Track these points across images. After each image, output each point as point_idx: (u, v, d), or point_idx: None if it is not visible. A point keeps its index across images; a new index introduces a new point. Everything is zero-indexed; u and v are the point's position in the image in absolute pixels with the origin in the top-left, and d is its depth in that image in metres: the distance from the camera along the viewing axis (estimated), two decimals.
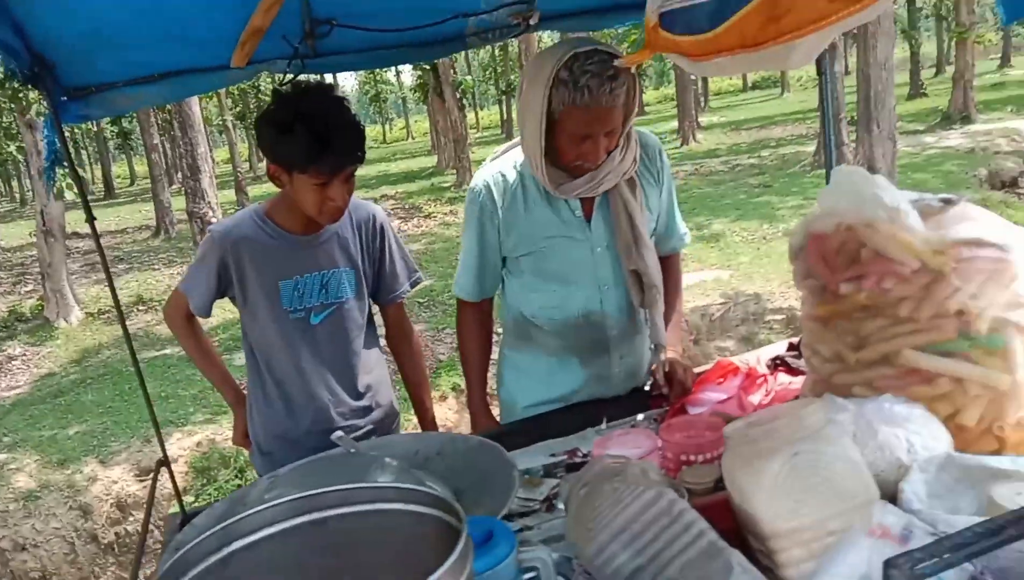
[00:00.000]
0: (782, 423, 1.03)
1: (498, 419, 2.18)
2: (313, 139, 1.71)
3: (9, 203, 39.05)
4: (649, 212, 1.96)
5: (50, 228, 10.32)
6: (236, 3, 1.53)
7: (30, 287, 13.09)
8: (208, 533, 0.86)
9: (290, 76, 1.82)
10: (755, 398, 1.82)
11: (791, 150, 16.89)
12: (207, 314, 2.02)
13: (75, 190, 11.41)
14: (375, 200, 18.71)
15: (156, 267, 13.94)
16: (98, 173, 40.28)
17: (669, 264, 2.11)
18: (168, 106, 19.12)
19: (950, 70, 20.05)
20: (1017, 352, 1.25)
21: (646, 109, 38.94)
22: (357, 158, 1.81)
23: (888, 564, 0.77)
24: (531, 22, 1.89)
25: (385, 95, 50.21)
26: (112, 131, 37.54)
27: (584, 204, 1.91)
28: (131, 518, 5.67)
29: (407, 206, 17.13)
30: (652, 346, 2.00)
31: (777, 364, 1.94)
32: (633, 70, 1.67)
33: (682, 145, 20.82)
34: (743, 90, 51.13)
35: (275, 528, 0.90)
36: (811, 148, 15.25)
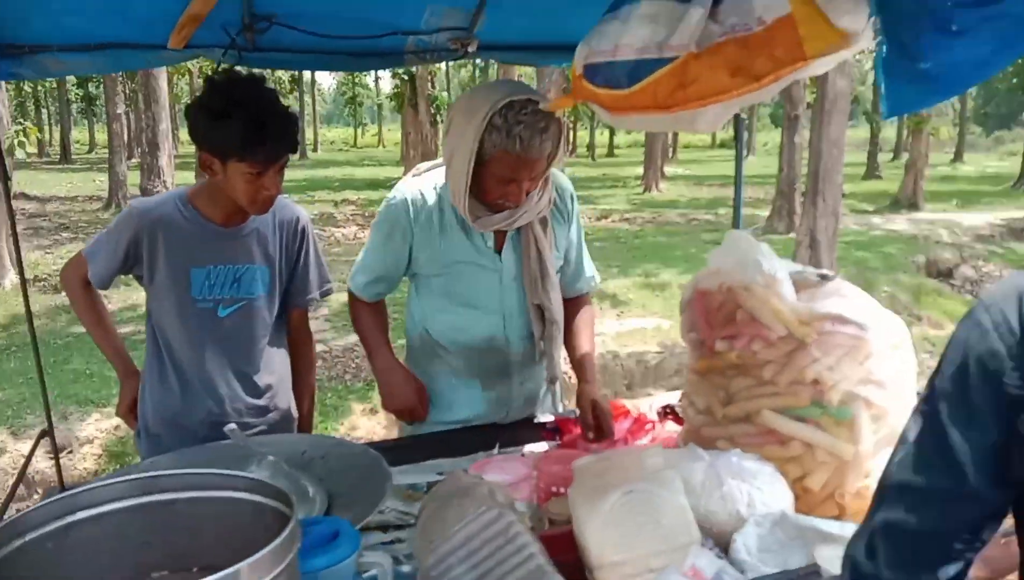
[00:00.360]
0: (626, 462, 1.10)
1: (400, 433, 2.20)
2: (250, 127, 1.72)
3: None
4: (557, 251, 2.04)
5: None
6: None
7: None
8: (52, 500, 0.89)
9: (225, 65, 1.85)
10: (642, 442, 1.89)
11: (747, 212, 17.23)
12: (104, 286, 2.01)
13: (26, 149, 11.14)
14: (336, 204, 18.60)
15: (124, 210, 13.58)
16: (57, 136, 39.21)
17: (581, 304, 2.19)
18: (136, 77, 18.82)
19: (907, 156, 20.89)
20: (863, 425, 1.35)
21: (616, 152, 39.65)
22: (291, 147, 1.84)
23: None
24: (469, 49, 1.96)
25: (362, 99, 50.13)
26: (77, 94, 36.62)
27: (497, 236, 1.98)
28: (35, 495, 5.49)
29: (367, 213, 17.07)
30: (548, 378, 2.06)
31: (667, 412, 2.02)
32: (558, 115, 1.75)
33: (644, 192, 21.23)
34: (711, 146, 52.39)
35: (122, 504, 0.93)
36: (766, 213, 15.70)
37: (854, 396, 1.35)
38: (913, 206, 18.29)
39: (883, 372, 1.38)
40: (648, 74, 1.31)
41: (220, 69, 1.82)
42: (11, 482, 5.44)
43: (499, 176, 1.79)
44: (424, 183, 1.98)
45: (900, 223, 16.27)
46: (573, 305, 2.15)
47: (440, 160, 1.98)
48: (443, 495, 1.08)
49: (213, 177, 1.87)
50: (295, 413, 2.25)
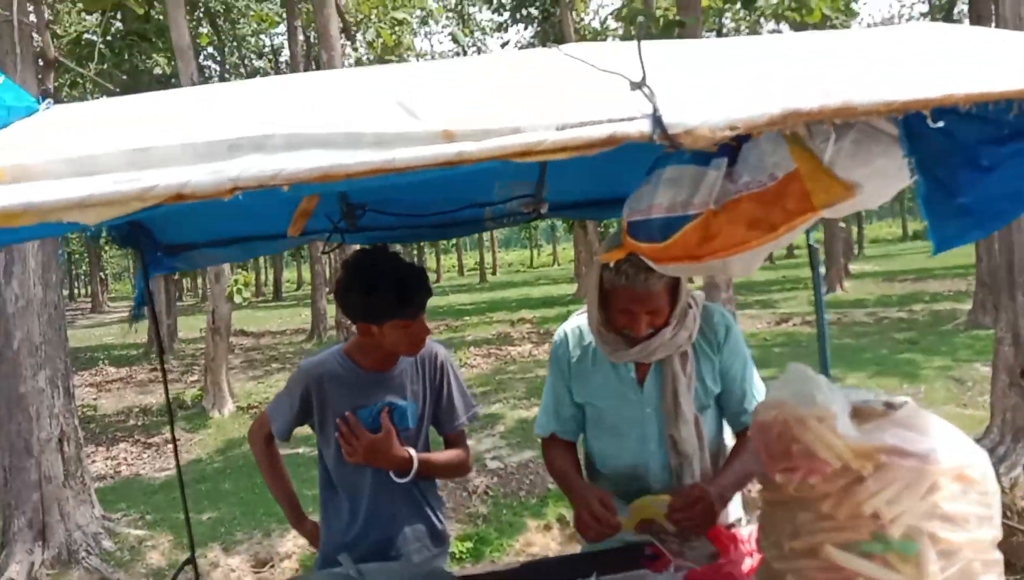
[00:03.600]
0: None
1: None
2: (398, 292, 2.06)
3: (192, 298, 43.59)
4: (700, 383, 2.13)
5: (218, 326, 11.51)
6: (284, 195, 1.94)
7: (195, 377, 14.46)
8: None
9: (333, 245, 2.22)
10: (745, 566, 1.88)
11: (946, 307, 15.95)
12: (286, 438, 2.34)
13: (243, 295, 12.81)
14: (512, 323, 19.31)
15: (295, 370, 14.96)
16: (271, 277, 44.28)
17: (743, 441, 2.19)
18: None
19: None
20: (929, 561, 1.31)
21: (795, 253, 38.23)
22: (429, 295, 2.17)
23: None
24: (541, 211, 2.20)
25: (536, 221, 52.40)
26: None
27: (639, 367, 2.13)
28: None
29: (541, 331, 17.53)
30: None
31: None
32: None
33: (827, 292, 20.20)
34: (902, 239, 49.00)
35: None
36: (968, 305, 14.38)
37: (918, 531, 1.32)
38: None
39: (953, 506, 1.34)
40: (677, 229, 1.44)
41: (327, 251, 2.20)
42: None
43: (617, 308, 1.97)
44: (582, 319, 2.21)
45: None
46: (740, 439, 2.20)
47: None
48: None
49: (371, 339, 2.18)
50: (448, 532, 2.48)
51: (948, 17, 20.35)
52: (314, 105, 0.91)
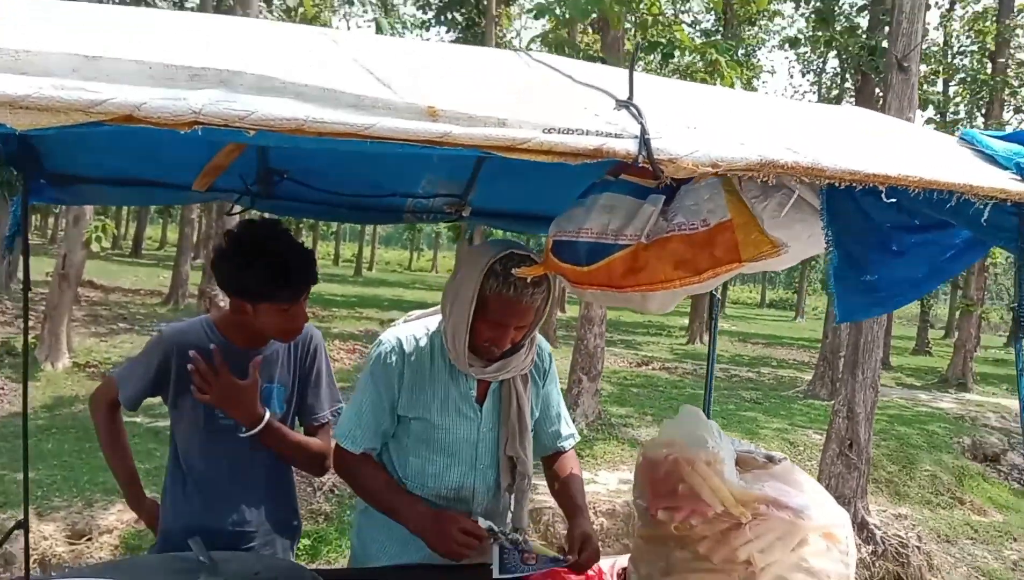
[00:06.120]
0: None
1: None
2: (275, 271, 1.89)
3: (39, 237, 40.08)
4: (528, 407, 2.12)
5: (67, 273, 10.60)
6: (204, 141, 1.78)
7: (32, 323, 13.26)
8: None
9: (239, 209, 2.06)
10: None
11: (789, 374, 17.13)
12: (134, 407, 2.11)
13: (102, 244, 11.87)
14: (381, 322, 18.99)
15: (154, 334, 14.07)
16: (132, 231, 41.51)
17: (567, 458, 2.23)
18: None
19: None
20: None
21: None
22: (313, 281, 2.00)
23: None
24: (463, 213, 2.15)
25: (421, 225, 52.06)
26: None
27: (479, 386, 2.06)
28: None
29: None
30: (512, 529, 2.04)
31: (622, 575, 2.01)
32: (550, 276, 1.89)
33: (688, 343, 21.24)
34: (759, 306, 52.43)
35: None
36: (809, 375, 15.52)
37: None
38: (962, 386, 17.81)
39: (818, 561, 1.41)
40: (604, 256, 1.45)
41: (234, 213, 2.03)
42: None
43: (492, 320, 1.88)
44: (415, 328, 2.08)
45: (947, 402, 15.81)
46: (557, 460, 2.21)
47: (431, 309, 2.11)
48: None
49: (243, 317, 2.00)
50: (299, 523, 2.34)
51: None
52: (280, 53, 0.84)
